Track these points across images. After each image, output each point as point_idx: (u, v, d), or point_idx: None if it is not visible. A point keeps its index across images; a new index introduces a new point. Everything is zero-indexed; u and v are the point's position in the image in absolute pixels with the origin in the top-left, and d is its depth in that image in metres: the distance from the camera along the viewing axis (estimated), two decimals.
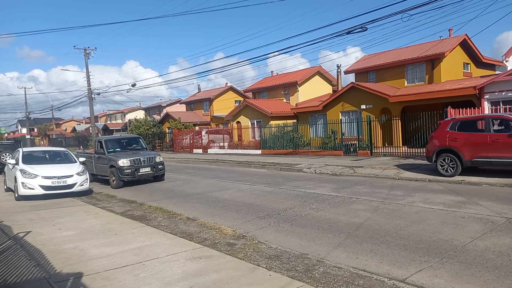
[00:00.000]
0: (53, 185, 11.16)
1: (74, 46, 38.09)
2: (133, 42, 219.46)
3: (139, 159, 13.49)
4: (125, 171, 13.06)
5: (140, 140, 15.81)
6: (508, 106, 16.24)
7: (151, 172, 13.80)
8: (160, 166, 14.09)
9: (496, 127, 11.07)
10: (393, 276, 4.63)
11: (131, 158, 13.32)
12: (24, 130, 68.10)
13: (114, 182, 13.36)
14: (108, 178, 13.84)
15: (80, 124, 74.87)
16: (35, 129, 77.62)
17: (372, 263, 5.11)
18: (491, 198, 8.61)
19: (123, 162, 13.11)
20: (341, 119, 22.50)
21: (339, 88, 26.37)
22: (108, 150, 14.12)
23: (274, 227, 7.24)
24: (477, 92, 17.17)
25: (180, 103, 52.00)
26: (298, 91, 33.18)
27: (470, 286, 4.27)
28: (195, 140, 32.03)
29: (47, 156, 13.07)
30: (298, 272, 4.77)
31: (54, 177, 11.25)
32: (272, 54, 45.38)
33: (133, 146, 15.18)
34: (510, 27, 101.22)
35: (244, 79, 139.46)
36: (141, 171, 13.47)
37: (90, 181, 12.77)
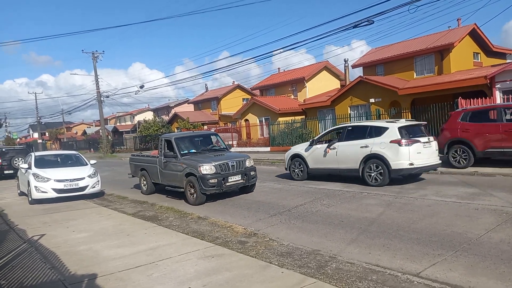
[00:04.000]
0: (65, 188, 11.29)
1: (83, 51, 38.49)
2: (139, 44, 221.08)
3: (227, 164, 9.78)
4: (210, 181, 9.33)
5: (218, 137, 12.15)
6: None
7: (242, 181, 10.04)
8: (252, 173, 10.32)
9: (508, 117, 10.88)
10: (407, 270, 4.59)
11: (216, 163, 9.62)
12: (36, 135, 69.04)
13: (194, 196, 9.69)
14: (181, 189, 10.30)
15: (90, 127, 75.63)
16: (46, 133, 78.66)
17: (385, 258, 5.07)
18: (505, 189, 8.47)
19: (206, 168, 9.46)
20: (350, 114, 22.34)
21: (347, 83, 26.16)
22: (182, 152, 10.48)
23: (285, 224, 7.23)
24: (488, 81, 16.87)
25: (188, 103, 52.15)
26: (305, 87, 33.03)
27: (484, 279, 4.21)
28: None
29: (59, 160, 13.21)
30: (311, 269, 4.75)
31: (66, 180, 11.38)
32: (278, 51, 45.26)
33: (210, 146, 11.56)
34: None
35: (250, 77, 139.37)
36: (230, 180, 9.74)
37: (152, 192, 11.85)
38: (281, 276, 4.52)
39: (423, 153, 9.89)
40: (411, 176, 10.51)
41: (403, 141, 9.63)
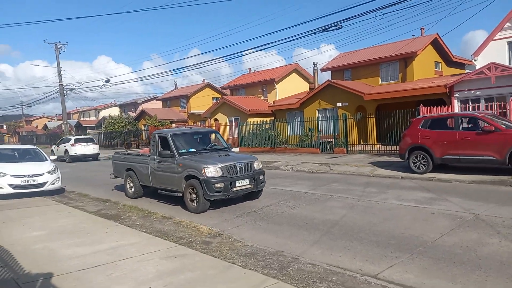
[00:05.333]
0: (22, 184, 10.80)
1: (45, 41, 36.64)
2: (105, 37, 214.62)
3: (234, 166, 8.59)
4: (216, 185, 8.14)
5: (219, 135, 10.93)
6: (476, 105, 16.82)
7: (250, 186, 8.83)
8: (261, 177, 9.14)
9: (465, 125, 11.45)
10: (365, 272, 4.74)
11: (223, 165, 8.41)
12: None
13: (196, 202, 8.46)
14: (178, 194, 9.03)
15: (51, 121, 72.60)
16: (4, 127, 74.84)
17: (345, 260, 5.21)
18: (460, 195, 8.91)
19: (212, 171, 8.23)
20: (317, 117, 22.73)
21: (316, 86, 26.63)
22: (180, 151, 9.20)
23: (251, 225, 7.26)
24: (448, 90, 17.69)
25: (156, 100, 51.23)
26: (275, 88, 33.29)
27: (438, 280, 4.42)
28: None
29: (16, 154, 12.61)
30: (273, 270, 4.81)
31: (24, 175, 10.88)
32: (248, 51, 45.36)
33: (211, 145, 10.29)
34: (477, 27, 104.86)
35: (220, 76, 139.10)
36: (237, 185, 8.54)
37: (140, 196, 10.55)
38: (244, 277, 4.54)
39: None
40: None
41: None
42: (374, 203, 8.57)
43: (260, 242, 6.09)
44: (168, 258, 5.23)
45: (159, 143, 9.69)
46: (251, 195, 9.37)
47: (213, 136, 10.89)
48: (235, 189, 8.52)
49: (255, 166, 9.06)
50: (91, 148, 25.62)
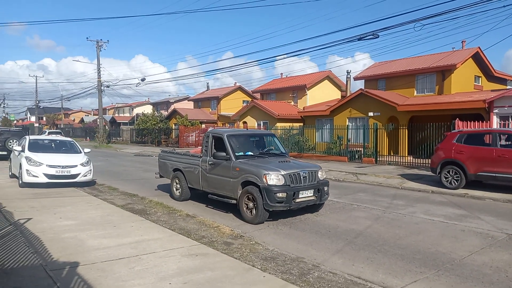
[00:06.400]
0: (57, 174, 11.24)
1: (87, 38, 38.36)
2: (143, 36, 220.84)
3: (298, 174, 7.73)
4: (278, 194, 7.26)
5: (276, 139, 9.92)
6: None
7: (313, 198, 7.92)
8: (325, 189, 8.23)
9: (503, 142, 10.97)
10: (388, 285, 4.61)
11: (286, 173, 7.57)
12: (33, 118, 68.61)
13: (253, 211, 7.61)
14: (232, 201, 8.22)
15: (88, 116, 75.50)
16: (44, 118, 78.39)
17: (367, 271, 5.09)
18: (493, 213, 8.53)
19: (273, 178, 7.41)
20: (347, 125, 22.41)
21: (348, 94, 26.28)
22: (237, 154, 8.41)
23: (273, 229, 7.24)
24: (487, 105, 17.01)
25: (188, 100, 52.14)
26: (306, 94, 33.14)
27: None
28: (201, 137, 32.11)
29: (53, 145, 13.17)
30: (293, 275, 4.77)
31: (59, 166, 11.34)
32: (281, 56, 45.38)
33: (267, 149, 9.42)
34: None
35: (252, 80, 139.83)
36: (300, 196, 7.63)
37: (187, 199, 9.87)
38: (263, 280, 4.53)
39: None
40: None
41: None
42: (401, 216, 8.35)
43: (281, 246, 6.06)
44: (189, 256, 5.30)
45: (213, 143, 8.97)
46: (312, 207, 8.42)
47: (270, 139, 10.00)
48: (297, 200, 7.60)
49: (319, 175, 8.20)
50: None
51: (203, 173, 9.07)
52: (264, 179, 7.38)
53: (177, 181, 10.13)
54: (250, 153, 8.72)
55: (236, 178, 8.03)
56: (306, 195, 7.75)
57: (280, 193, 7.29)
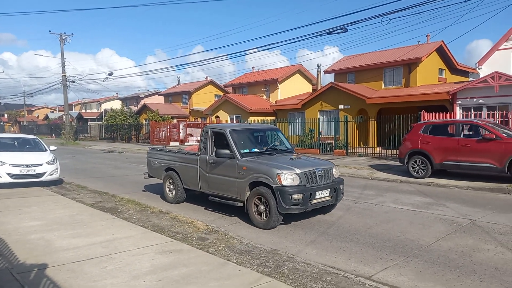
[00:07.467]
0: (21, 173, 10.79)
1: (50, 31, 36.96)
2: (109, 30, 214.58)
3: (314, 172, 6.98)
4: (293, 196, 6.49)
5: (280, 134, 9.05)
6: (478, 112, 16.84)
7: (329, 198, 7.17)
8: (341, 187, 7.47)
9: (466, 132, 11.46)
10: (360, 273, 4.74)
11: (301, 171, 6.80)
12: None
13: (264, 215, 6.86)
14: (238, 204, 7.37)
15: (53, 112, 72.68)
16: (5, 115, 74.91)
17: (340, 260, 5.21)
18: (458, 201, 8.91)
19: (288, 178, 6.63)
20: (319, 118, 22.72)
21: (319, 88, 26.63)
22: (242, 152, 7.55)
23: (247, 222, 7.25)
24: (450, 97, 17.69)
25: (159, 95, 51.22)
26: (278, 88, 33.29)
27: (432, 284, 4.42)
28: (172, 133, 31.63)
29: (16, 144, 12.61)
30: (268, 268, 4.81)
31: (23, 165, 10.88)
32: (252, 50, 45.33)
33: (273, 145, 8.65)
34: (482, 36, 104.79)
35: (223, 74, 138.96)
36: (317, 196, 6.88)
37: (182, 201, 9.00)
38: (238, 274, 4.54)
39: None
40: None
41: None
42: (371, 205, 8.58)
43: (256, 240, 6.10)
44: (163, 253, 5.23)
45: (213, 140, 8.07)
46: (325, 208, 7.66)
47: (274, 134, 9.20)
48: (314, 201, 6.85)
49: (334, 173, 7.47)
50: None
51: (203, 173, 8.20)
52: (278, 179, 6.58)
53: (170, 181, 9.23)
54: (255, 150, 7.90)
55: (243, 179, 7.18)
56: (323, 195, 7.02)
57: (296, 194, 6.53)
